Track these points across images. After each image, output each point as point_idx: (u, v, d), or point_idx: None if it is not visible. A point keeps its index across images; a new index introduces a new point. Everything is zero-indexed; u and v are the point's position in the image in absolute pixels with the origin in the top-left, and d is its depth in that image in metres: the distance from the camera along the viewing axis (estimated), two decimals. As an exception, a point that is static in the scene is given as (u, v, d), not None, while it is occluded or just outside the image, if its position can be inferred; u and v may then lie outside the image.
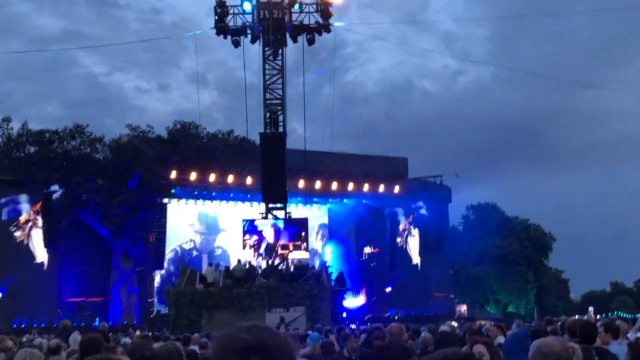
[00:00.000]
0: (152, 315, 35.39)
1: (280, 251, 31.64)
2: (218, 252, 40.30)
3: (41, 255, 35.77)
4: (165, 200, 36.37)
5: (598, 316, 28.95)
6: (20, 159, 33.85)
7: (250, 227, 32.32)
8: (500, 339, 8.69)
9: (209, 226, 40.28)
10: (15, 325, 32.72)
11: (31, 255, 35.52)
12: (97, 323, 27.87)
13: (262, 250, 31.65)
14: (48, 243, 34.79)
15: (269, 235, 31.53)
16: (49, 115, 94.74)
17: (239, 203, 39.41)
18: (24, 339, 15.33)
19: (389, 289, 41.66)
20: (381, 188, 40.06)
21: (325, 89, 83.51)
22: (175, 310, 27.30)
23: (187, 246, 40.77)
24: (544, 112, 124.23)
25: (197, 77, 43.94)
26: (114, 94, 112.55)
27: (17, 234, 35.22)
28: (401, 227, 43.72)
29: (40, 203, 34.61)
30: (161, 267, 37.37)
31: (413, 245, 44.69)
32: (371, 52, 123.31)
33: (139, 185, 33.81)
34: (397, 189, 40.39)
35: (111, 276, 35.55)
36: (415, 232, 44.49)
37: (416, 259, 44.66)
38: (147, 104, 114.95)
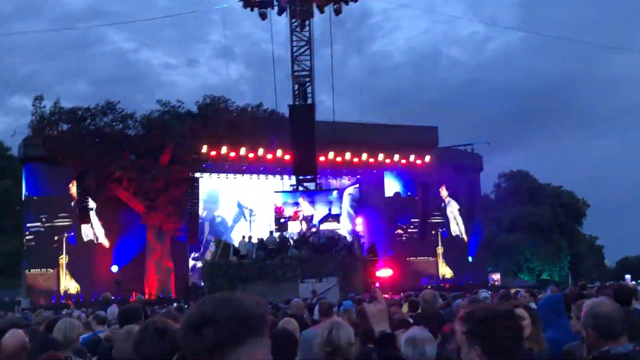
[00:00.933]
0: (187, 288, 35.92)
1: (311, 223, 31.82)
2: (247, 224, 40.72)
3: (78, 231, 36.51)
4: (197, 174, 36.69)
5: (633, 282, 28.75)
6: (53, 137, 34.26)
7: (282, 200, 32.54)
8: (532, 305, 8.72)
9: (238, 204, 41.00)
10: (54, 300, 33.51)
11: (70, 231, 36.32)
12: (134, 297, 28.41)
13: (293, 222, 31.84)
14: (83, 219, 35.39)
15: (300, 207, 31.72)
16: (79, 92, 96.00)
17: (270, 176, 39.65)
18: (63, 312, 15.72)
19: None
20: (411, 158, 39.94)
21: (352, 60, 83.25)
22: (210, 282, 27.67)
23: (219, 219, 41.24)
24: (575, 77, 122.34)
25: (225, 51, 44.06)
26: (142, 70, 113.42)
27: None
28: (437, 196, 43.67)
29: (74, 180, 35.20)
30: (195, 241, 37.82)
31: (453, 215, 44.68)
32: (397, 20, 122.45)
33: (170, 161, 34.12)
34: (427, 158, 40.24)
35: (146, 251, 36.09)
36: (451, 201, 44.45)
37: (453, 228, 44.66)
38: (176, 79, 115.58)
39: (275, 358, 4.04)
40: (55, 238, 36.34)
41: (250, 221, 40.75)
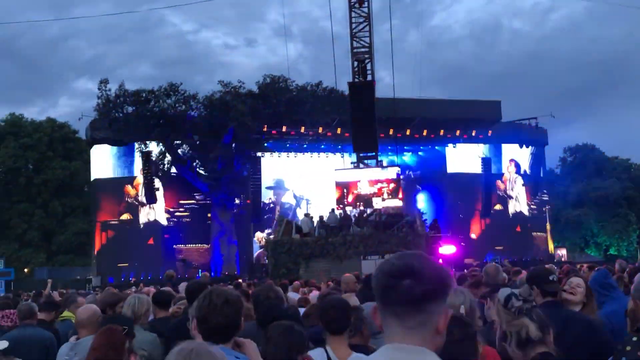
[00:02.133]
0: (252, 265, 36.48)
1: (373, 200, 31.77)
2: (311, 202, 41.00)
3: (144, 211, 37.41)
4: (259, 153, 37.03)
5: None
6: (119, 119, 35.05)
7: (343, 178, 32.56)
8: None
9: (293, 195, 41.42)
10: (123, 279, 34.47)
11: (137, 211, 37.27)
12: (199, 275, 29.00)
13: (355, 199, 31.85)
14: (149, 199, 36.23)
15: (362, 185, 31.67)
16: (142, 75, 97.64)
17: (330, 154, 39.74)
18: (133, 289, 16.18)
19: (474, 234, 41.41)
20: (474, 133, 39.44)
21: (411, 34, 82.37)
22: (274, 259, 27.99)
23: (283, 199, 41.66)
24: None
25: (284, 30, 44.13)
26: (202, 51, 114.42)
27: (127, 191, 37.00)
28: (500, 171, 43.15)
29: (140, 161, 36.02)
30: (258, 219, 38.28)
31: (513, 190, 44.10)
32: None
33: (233, 140, 34.54)
34: (490, 133, 39.66)
35: (211, 229, 36.74)
36: (516, 176, 43.87)
37: (514, 203, 44.07)
38: (235, 59, 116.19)
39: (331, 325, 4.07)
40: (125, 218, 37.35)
41: (300, 208, 41.14)
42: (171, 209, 37.96)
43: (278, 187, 41.30)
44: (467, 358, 2.72)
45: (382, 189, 31.10)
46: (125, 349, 3.83)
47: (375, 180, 31.47)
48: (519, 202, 44.34)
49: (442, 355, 1.87)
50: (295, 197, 41.45)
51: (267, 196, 41.10)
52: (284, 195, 41.57)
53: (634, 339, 3.27)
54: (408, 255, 1.92)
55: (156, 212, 37.62)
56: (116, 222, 37.63)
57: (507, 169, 43.78)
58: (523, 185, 44.21)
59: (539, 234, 45.18)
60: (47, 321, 7.53)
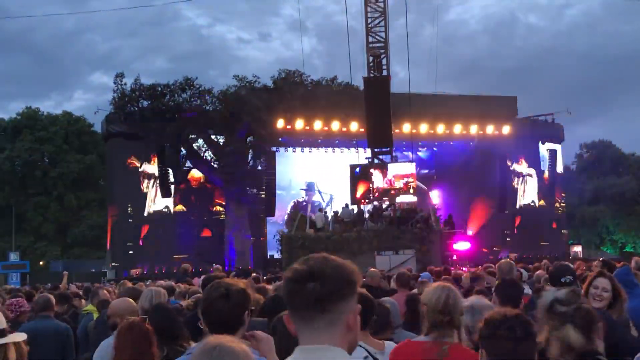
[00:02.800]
0: (266, 260, 36.53)
1: (388, 195, 31.68)
2: (326, 197, 41.01)
3: (160, 204, 37.50)
4: (274, 148, 37.06)
5: None
6: (134, 113, 35.17)
7: (358, 173, 32.49)
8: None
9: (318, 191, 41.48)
10: (138, 273, 34.59)
11: (151, 205, 37.36)
12: (213, 269, 29.04)
13: (370, 195, 31.77)
14: (164, 193, 36.34)
15: (377, 180, 31.56)
16: (157, 69, 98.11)
17: (344, 149, 39.68)
18: (147, 282, 16.23)
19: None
20: (490, 129, 39.23)
21: (426, 29, 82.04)
22: (288, 254, 28.01)
23: (296, 192, 41.66)
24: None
25: (300, 24, 44.05)
26: (217, 45, 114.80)
27: (143, 185, 37.08)
28: (515, 168, 42.92)
29: (155, 155, 36.09)
30: (272, 213, 38.32)
31: (529, 186, 43.86)
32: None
33: (247, 135, 34.56)
34: (506, 129, 39.43)
35: (225, 223, 36.80)
36: (532, 172, 43.61)
37: (530, 200, 43.84)
38: (249, 54, 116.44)
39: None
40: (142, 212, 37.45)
41: (330, 205, 41.17)
42: (185, 202, 38.00)
43: (310, 189, 41.53)
44: (529, 357, 2.69)
45: (409, 184, 30.87)
46: (154, 338, 3.84)
47: (400, 175, 31.25)
48: (534, 198, 44.07)
49: (503, 354, 1.88)
50: (320, 193, 41.45)
51: (300, 196, 41.52)
52: (315, 195, 41.70)
53: None
54: (311, 259, 1.97)
55: (169, 206, 37.66)
56: (130, 215, 37.61)
57: (522, 165, 43.49)
58: (537, 182, 43.91)
59: (555, 230, 44.91)
60: (61, 313, 7.59)
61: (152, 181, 37.35)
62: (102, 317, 6.37)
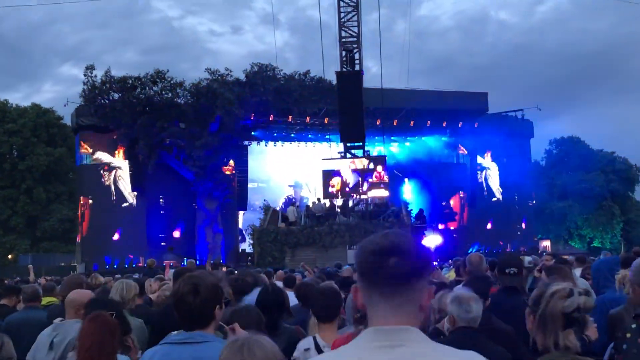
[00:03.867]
0: (238, 254, 36.48)
1: (359, 189, 31.82)
2: (299, 191, 41.15)
3: (129, 198, 37.22)
4: (246, 142, 36.96)
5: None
6: (105, 106, 34.85)
7: (329, 168, 32.54)
8: (577, 272, 8.68)
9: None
10: (108, 266, 34.34)
11: (121, 198, 37.04)
12: (185, 263, 28.93)
13: (342, 189, 31.85)
14: (135, 186, 36.09)
15: (348, 175, 31.68)
16: (128, 61, 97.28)
17: (317, 143, 39.74)
18: (117, 276, 16.14)
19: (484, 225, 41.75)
20: (461, 124, 39.54)
21: (398, 25, 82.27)
22: (260, 248, 28.06)
23: (275, 185, 41.73)
24: (629, 40, 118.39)
25: (273, 18, 43.86)
26: (188, 38, 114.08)
27: (105, 178, 36.75)
28: (482, 162, 43.30)
29: (125, 148, 35.83)
30: (244, 207, 38.25)
31: (493, 181, 44.23)
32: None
33: (219, 128, 34.43)
34: (477, 124, 39.78)
35: (196, 217, 36.66)
36: (494, 166, 43.98)
37: (497, 195, 44.24)
38: (221, 47, 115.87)
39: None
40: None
41: (295, 187, 41.39)
42: (156, 196, 37.78)
43: (297, 186, 41.70)
44: None
45: (369, 179, 31.11)
46: (119, 333, 3.84)
47: (363, 169, 31.49)
48: (500, 193, 44.48)
49: None
50: (308, 189, 41.61)
51: (288, 193, 41.89)
52: (302, 191, 41.81)
53: (633, 325, 3.29)
54: (391, 233, 1.93)
55: (139, 199, 37.37)
56: (99, 208, 37.26)
57: (487, 160, 43.85)
58: (499, 177, 44.29)
59: (523, 225, 45.44)
60: (10, 306, 7.56)
61: (114, 173, 37.06)
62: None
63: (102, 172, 36.80)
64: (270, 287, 5.42)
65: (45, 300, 7.46)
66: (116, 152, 36.78)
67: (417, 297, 1.88)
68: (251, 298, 5.51)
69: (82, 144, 36.97)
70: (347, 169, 31.69)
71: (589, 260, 11.71)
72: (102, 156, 37.04)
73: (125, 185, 37.03)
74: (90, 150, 36.85)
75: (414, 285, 1.87)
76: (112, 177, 37.05)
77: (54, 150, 51.06)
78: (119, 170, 36.98)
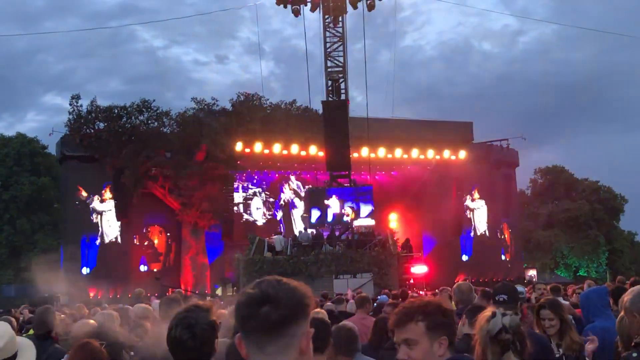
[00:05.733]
0: (224, 284, 36.23)
1: (345, 219, 31.78)
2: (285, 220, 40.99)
3: (115, 228, 36.96)
4: (232, 171, 36.91)
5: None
6: (90, 135, 34.77)
7: (315, 198, 32.51)
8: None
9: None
10: (92, 297, 33.92)
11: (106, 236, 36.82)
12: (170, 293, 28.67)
13: (328, 219, 31.80)
14: (120, 217, 35.86)
15: (334, 205, 31.65)
16: (112, 90, 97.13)
17: (303, 172, 39.75)
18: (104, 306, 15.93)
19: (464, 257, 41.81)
20: (446, 154, 39.70)
21: (382, 55, 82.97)
22: (246, 278, 27.82)
23: (254, 216, 41.49)
24: (611, 70, 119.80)
25: (259, 48, 44.11)
26: (173, 67, 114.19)
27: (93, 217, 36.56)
28: (468, 193, 43.40)
29: (108, 187, 35.77)
30: (230, 238, 38.06)
31: (480, 212, 44.31)
32: (428, 14, 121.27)
33: (205, 158, 34.37)
34: (462, 154, 39.95)
35: (182, 247, 36.42)
36: (482, 205, 44.08)
37: (483, 225, 44.29)
38: (206, 76, 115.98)
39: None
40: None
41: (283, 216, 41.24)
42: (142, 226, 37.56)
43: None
44: None
45: (355, 209, 31.12)
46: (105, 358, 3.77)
47: (348, 199, 31.49)
48: (486, 224, 44.54)
49: None
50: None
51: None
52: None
53: (634, 354, 3.26)
54: (264, 282, 1.94)
55: (126, 229, 37.13)
56: (87, 238, 36.96)
57: (473, 190, 43.95)
58: (487, 207, 44.38)
59: (509, 256, 45.48)
60: None
61: (101, 215, 36.96)
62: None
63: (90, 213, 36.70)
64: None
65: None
66: (104, 192, 36.65)
67: (293, 342, 1.89)
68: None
69: (80, 188, 36.66)
70: (333, 198, 31.67)
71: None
72: (96, 204, 36.89)
73: (112, 225, 36.93)
74: (85, 195, 36.58)
75: (288, 332, 1.87)
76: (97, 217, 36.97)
77: (37, 179, 50.65)
78: (107, 213, 36.87)
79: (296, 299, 1.90)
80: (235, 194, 38.79)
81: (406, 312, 2.86)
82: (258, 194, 41.27)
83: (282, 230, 37.61)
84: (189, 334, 3.14)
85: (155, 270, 36.62)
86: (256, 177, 40.49)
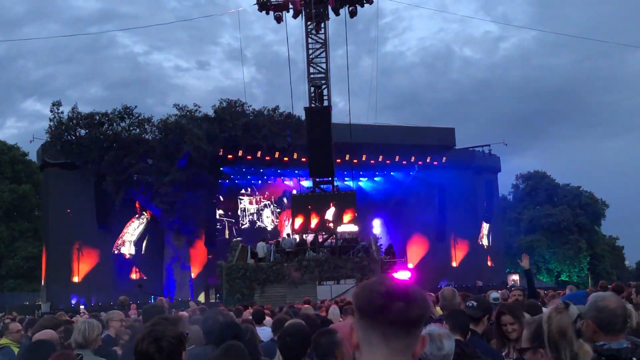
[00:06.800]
0: (207, 290, 36.07)
1: (328, 225, 31.72)
2: (268, 226, 40.92)
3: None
4: (214, 177, 36.77)
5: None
6: (72, 142, 34.52)
7: (297, 203, 32.44)
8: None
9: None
10: (74, 304, 33.65)
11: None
12: (152, 300, 28.46)
13: (310, 225, 31.74)
14: (101, 223, 35.59)
15: (318, 210, 31.58)
16: (92, 96, 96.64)
17: (286, 178, 39.70)
18: (82, 315, 15.78)
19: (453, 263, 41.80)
20: (429, 160, 39.83)
21: (364, 61, 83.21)
22: (229, 285, 27.68)
23: (252, 217, 41.58)
24: (591, 76, 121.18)
25: (241, 54, 44.17)
26: (154, 73, 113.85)
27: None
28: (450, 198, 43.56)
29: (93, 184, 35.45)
30: (213, 244, 37.89)
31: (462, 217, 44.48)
32: (409, 20, 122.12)
33: (188, 164, 34.26)
34: (445, 160, 40.10)
35: (164, 254, 36.22)
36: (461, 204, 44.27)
37: (467, 231, 44.45)
38: (188, 82, 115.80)
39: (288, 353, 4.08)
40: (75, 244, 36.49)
41: (264, 223, 41.18)
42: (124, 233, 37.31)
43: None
44: None
45: (338, 214, 31.06)
46: None
47: (331, 205, 31.44)
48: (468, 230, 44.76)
49: None
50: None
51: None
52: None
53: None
54: (393, 280, 1.92)
55: (105, 236, 36.87)
56: (67, 247, 36.64)
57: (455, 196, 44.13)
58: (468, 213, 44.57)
59: (492, 261, 45.67)
60: None
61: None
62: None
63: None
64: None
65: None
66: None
67: (414, 344, 1.88)
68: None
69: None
70: (316, 204, 31.59)
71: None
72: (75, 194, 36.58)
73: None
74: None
75: (414, 332, 1.87)
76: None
77: (18, 187, 50.24)
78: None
79: (427, 303, 1.90)
80: (220, 198, 38.70)
81: None
82: (268, 205, 41.74)
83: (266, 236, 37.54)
84: (155, 348, 3.14)
85: (137, 277, 36.36)
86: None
